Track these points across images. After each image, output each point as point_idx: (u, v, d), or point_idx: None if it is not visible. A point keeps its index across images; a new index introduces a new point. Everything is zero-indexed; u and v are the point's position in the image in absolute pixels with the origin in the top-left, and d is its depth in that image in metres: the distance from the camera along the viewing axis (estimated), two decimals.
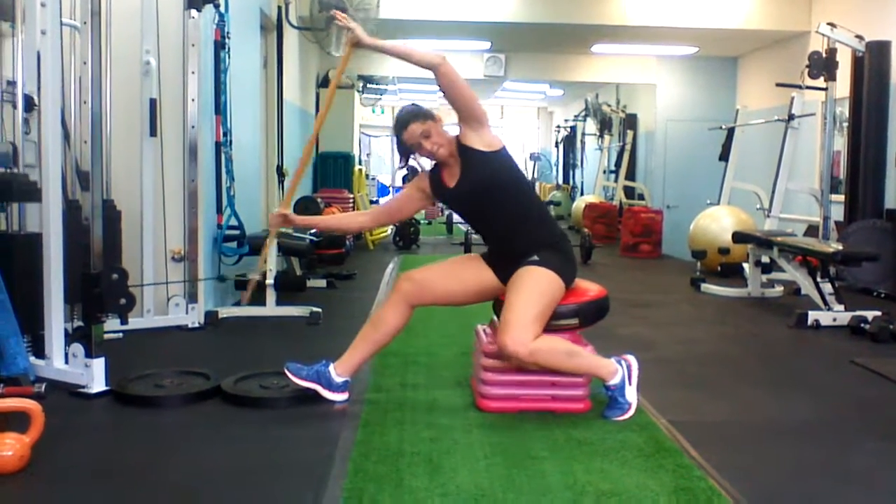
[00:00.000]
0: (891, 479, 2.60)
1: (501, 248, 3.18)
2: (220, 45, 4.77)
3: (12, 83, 3.64)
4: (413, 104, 3.23)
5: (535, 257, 3.04)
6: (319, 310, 4.82)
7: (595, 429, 2.87)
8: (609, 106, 13.25)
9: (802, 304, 5.28)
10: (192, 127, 4.50)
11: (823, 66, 6.05)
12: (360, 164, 10.97)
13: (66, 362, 3.27)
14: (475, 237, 9.41)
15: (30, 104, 3.53)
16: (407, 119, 3.09)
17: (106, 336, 3.97)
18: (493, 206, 3.13)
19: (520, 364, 2.96)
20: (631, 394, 3.04)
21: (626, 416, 3.00)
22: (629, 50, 10.26)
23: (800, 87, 6.45)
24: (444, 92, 3.05)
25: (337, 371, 3.11)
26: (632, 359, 3.12)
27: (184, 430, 2.88)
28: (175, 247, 4.60)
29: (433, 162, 3.18)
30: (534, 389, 3.06)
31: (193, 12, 4.43)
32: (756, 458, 2.71)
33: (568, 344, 3.01)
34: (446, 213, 13.52)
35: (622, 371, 3.04)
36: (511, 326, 2.90)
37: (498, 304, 3.14)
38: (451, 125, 3.18)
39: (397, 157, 3.39)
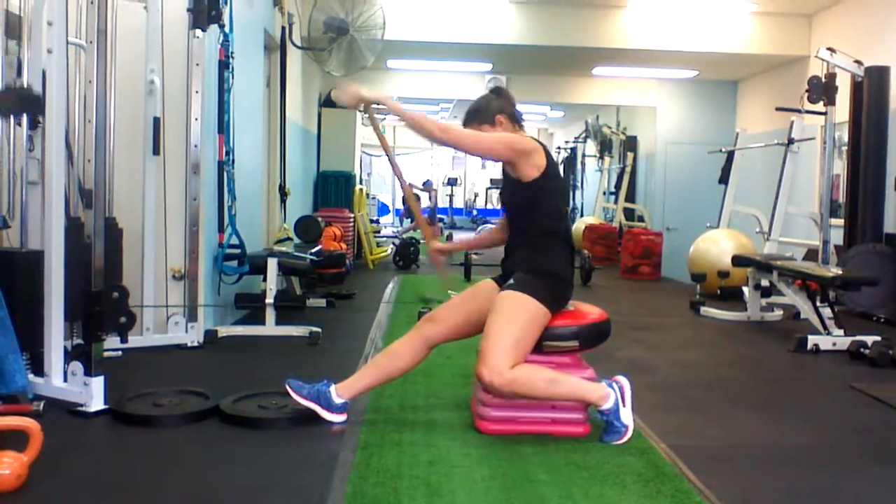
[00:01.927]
0: None
1: (505, 260, 3.25)
2: (223, 65, 4.80)
3: None
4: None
5: (511, 280, 3.06)
6: (319, 329, 4.82)
7: (594, 453, 2.86)
8: (609, 128, 13.32)
9: (802, 329, 5.28)
10: (195, 146, 4.52)
11: (823, 90, 6.09)
12: (360, 183, 11.00)
13: (65, 380, 3.27)
14: (475, 258, 9.42)
15: (34, 122, 3.55)
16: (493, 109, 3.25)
17: (105, 354, 3.96)
18: (511, 216, 3.23)
19: (499, 395, 2.94)
20: (626, 416, 3.01)
21: (625, 440, 2.98)
22: (630, 73, 10.33)
23: (799, 111, 6.49)
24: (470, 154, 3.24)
25: (338, 392, 3.10)
26: (623, 380, 3.08)
27: (182, 449, 2.87)
28: (175, 265, 4.61)
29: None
30: (533, 412, 3.05)
31: (198, 32, 4.47)
32: (755, 483, 2.70)
33: (549, 372, 2.96)
34: (446, 233, 13.53)
35: (614, 394, 3.00)
36: (485, 355, 2.90)
37: None
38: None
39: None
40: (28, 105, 3.42)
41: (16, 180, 3.59)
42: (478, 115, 3.25)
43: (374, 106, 3.26)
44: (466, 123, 3.28)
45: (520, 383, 2.89)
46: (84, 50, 3.73)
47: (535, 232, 3.13)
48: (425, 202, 16.91)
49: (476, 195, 23.73)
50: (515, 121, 3.28)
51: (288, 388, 3.12)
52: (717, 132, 9.93)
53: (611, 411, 2.98)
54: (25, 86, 3.50)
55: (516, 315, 2.96)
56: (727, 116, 10.29)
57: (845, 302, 6.02)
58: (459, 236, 10.69)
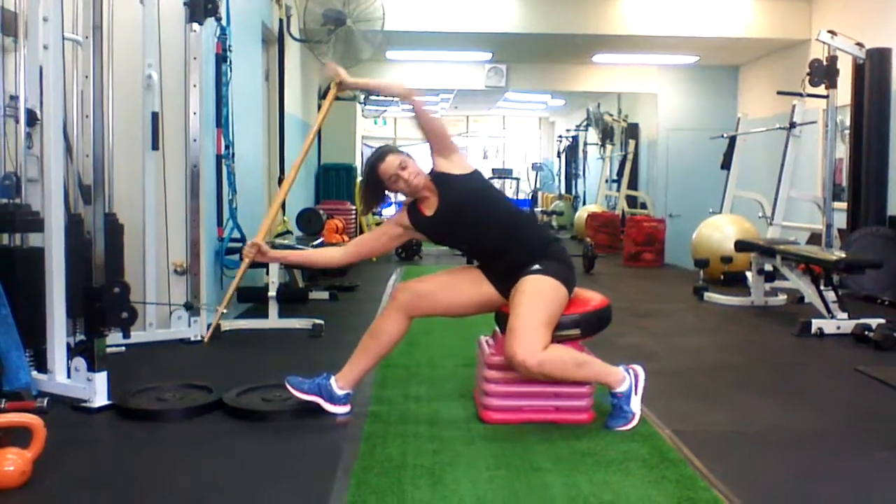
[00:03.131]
0: None
1: (497, 263, 3.16)
2: (221, 58, 4.79)
3: (15, 98, 3.66)
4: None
5: (537, 266, 3.04)
6: (322, 322, 4.82)
7: (598, 440, 2.86)
8: (611, 115, 13.27)
9: (806, 313, 5.26)
10: (194, 140, 4.51)
11: (824, 73, 6.05)
12: (362, 175, 10.98)
13: (69, 376, 3.27)
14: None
15: (32, 118, 3.54)
16: (384, 152, 3.15)
17: (108, 350, 3.96)
18: (483, 221, 3.14)
19: (528, 375, 2.94)
20: (636, 404, 3.03)
21: (630, 426, 2.98)
22: (630, 59, 10.28)
23: (801, 94, 6.45)
24: (417, 120, 3.18)
25: (338, 384, 3.10)
26: (639, 369, 3.11)
27: (186, 443, 2.87)
28: (177, 260, 4.60)
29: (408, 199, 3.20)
30: (537, 400, 3.05)
31: (195, 26, 4.45)
32: (760, 468, 2.70)
33: (575, 353, 3.00)
34: None
35: (630, 379, 3.04)
36: (519, 336, 2.89)
37: (501, 316, 3.13)
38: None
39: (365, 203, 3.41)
40: None
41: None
42: (395, 149, 3.21)
43: (357, 92, 3.33)
44: (387, 155, 3.15)
45: (550, 364, 2.90)
46: (80, 45, 3.72)
47: (509, 223, 3.17)
48: None
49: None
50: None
51: (288, 385, 3.11)
52: (718, 117, 9.89)
53: (623, 395, 3.01)
54: None
55: (546, 296, 2.98)
56: (728, 101, 10.24)
57: (849, 285, 6.00)
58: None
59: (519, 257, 3.09)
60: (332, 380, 3.10)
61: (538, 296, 2.97)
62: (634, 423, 3.00)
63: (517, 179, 17.23)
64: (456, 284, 3.19)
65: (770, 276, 6.04)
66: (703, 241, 7.45)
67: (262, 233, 3.28)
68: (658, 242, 9.39)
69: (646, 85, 11.21)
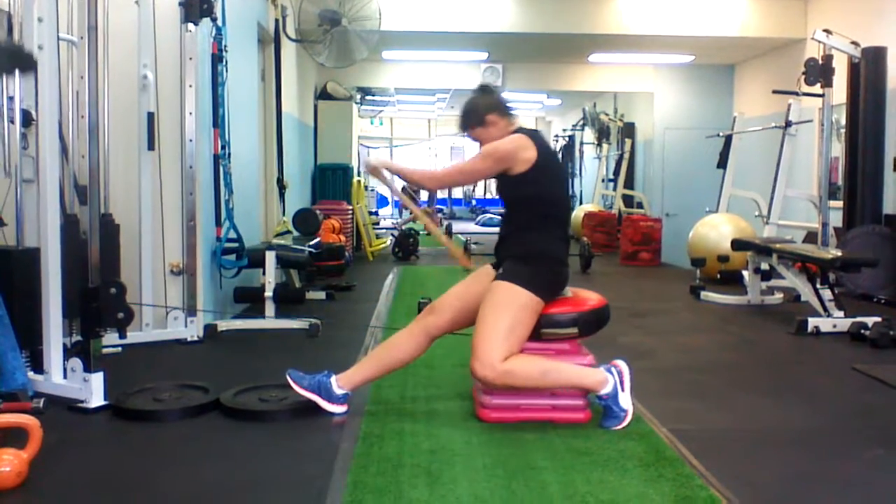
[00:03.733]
0: (892, 486, 2.58)
1: (496, 249, 3.25)
2: (217, 59, 4.78)
3: (10, 98, 3.65)
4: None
5: (501, 270, 3.07)
6: (319, 322, 4.82)
7: (595, 439, 2.86)
8: (607, 115, 13.28)
9: (802, 311, 5.27)
10: (191, 140, 4.50)
11: (820, 72, 6.07)
12: (358, 175, 10.98)
13: (65, 377, 3.26)
14: (474, 247, 9.42)
15: (28, 119, 3.54)
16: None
17: (104, 350, 3.97)
18: (506, 207, 3.23)
19: (494, 388, 2.94)
20: (625, 401, 3.00)
21: (624, 425, 2.97)
22: (626, 59, 10.29)
23: (797, 93, 6.47)
24: (466, 183, 3.31)
25: (339, 384, 3.10)
26: (623, 364, 3.07)
27: (183, 443, 2.86)
28: (173, 260, 4.60)
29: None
30: (534, 399, 3.05)
31: (190, 26, 4.45)
32: (757, 466, 2.70)
33: (540, 361, 2.96)
34: (445, 223, 13.53)
35: (613, 379, 3.00)
36: (477, 350, 2.90)
37: None
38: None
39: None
40: (19, 61, 3.35)
41: (10, 178, 3.59)
42: (469, 118, 3.25)
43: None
44: (463, 129, 3.29)
45: (513, 375, 2.89)
46: (76, 46, 3.72)
47: (526, 217, 3.13)
48: (424, 196, 16.91)
49: (474, 185, 23.68)
50: (506, 114, 3.26)
51: (289, 378, 3.11)
52: (714, 116, 9.90)
53: (609, 396, 2.98)
54: (16, 44, 3.44)
55: (506, 306, 2.94)
56: (724, 100, 10.26)
57: (845, 284, 6.01)
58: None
59: (501, 252, 3.15)
60: (333, 379, 3.10)
61: (497, 306, 2.95)
62: (627, 420, 2.99)
63: None
64: (473, 287, 3.16)
65: (766, 275, 6.06)
66: (699, 240, 7.46)
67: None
68: (654, 242, 9.40)
69: (642, 84, 11.23)
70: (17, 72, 3.42)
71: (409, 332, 3.16)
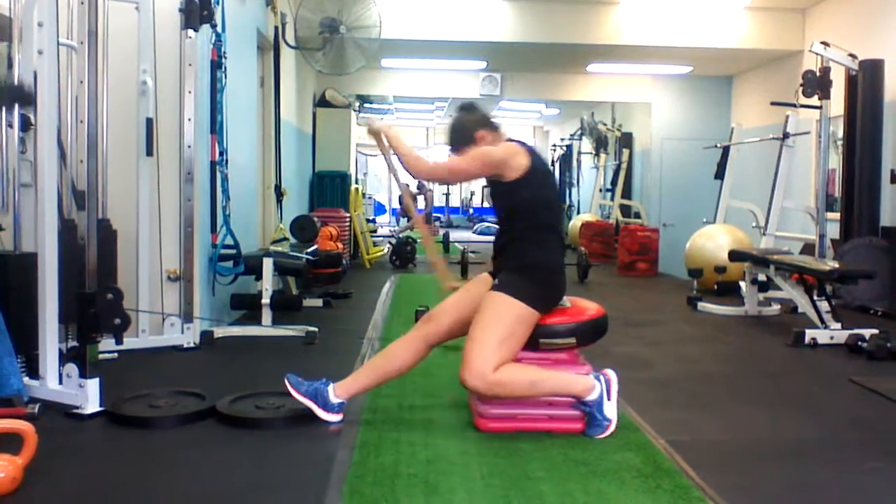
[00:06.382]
0: (890, 498, 2.58)
1: (493, 259, 3.25)
2: (216, 65, 4.78)
3: None
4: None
5: (496, 281, 3.07)
6: (315, 329, 4.80)
7: (592, 449, 2.85)
8: (605, 125, 13.31)
9: (799, 323, 5.27)
10: (189, 146, 4.50)
11: (817, 84, 6.09)
12: (356, 182, 10.98)
13: (61, 383, 3.25)
14: (471, 256, 9.41)
15: (26, 124, 3.53)
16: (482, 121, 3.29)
17: (100, 356, 3.97)
18: (499, 216, 3.23)
19: (483, 397, 2.95)
20: (610, 410, 2.99)
21: (607, 434, 2.97)
22: (624, 69, 10.32)
23: (794, 105, 6.49)
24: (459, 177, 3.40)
25: (336, 392, 3.08)
26: (611, 374, 3.07)
27: (178, 450, 2.85)
28: (170, 266, 4.59)
29: None
30: (531, 409, 3.04)
31: (190, 32, 4.45)
32: (755, 477, 2.69)
33: (529, 370, 2.96)
34: (442, 232, 13.53)
35: (600, 387, 3.00)
36: (467, 360, 2.90)
37: None
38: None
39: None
40: (19, 100, 3.38)
41: (8, 182, 3.58)
42: (459, 138, 3.26)
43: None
44: (452, 150, 3.28)
45: (503, 385, 2.90)
46: (75, 51, 3.71)
47: (521, 227, 3.12)
48: (421, 204, 16.92)
49: (472, 194, 23.72)
50: (493, 128, 3.28)
51: (287, 382, 3.10)
52: (712, 127, 9.94)
53: (594, 403, 2.98)
54: (17, 82, 3.46)
55: (499, 318, 2.94)
56: (722, 111, 10.30)
57: (842, 295, 6.02)
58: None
59: (498, 263, 3.15)
60: (331, 387, 3.09)
61: (490, 317, 2.95)
62: (611, 429, 2.98)
63: None
64: (469, 295, 3.16)
65: (763, 286, 6.06)
66: (696, 251, 7.47)
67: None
68: (652, 252, 9.40)
69: (640, 94, 11.26)
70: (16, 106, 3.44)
71: (406, 341, 3.15)
